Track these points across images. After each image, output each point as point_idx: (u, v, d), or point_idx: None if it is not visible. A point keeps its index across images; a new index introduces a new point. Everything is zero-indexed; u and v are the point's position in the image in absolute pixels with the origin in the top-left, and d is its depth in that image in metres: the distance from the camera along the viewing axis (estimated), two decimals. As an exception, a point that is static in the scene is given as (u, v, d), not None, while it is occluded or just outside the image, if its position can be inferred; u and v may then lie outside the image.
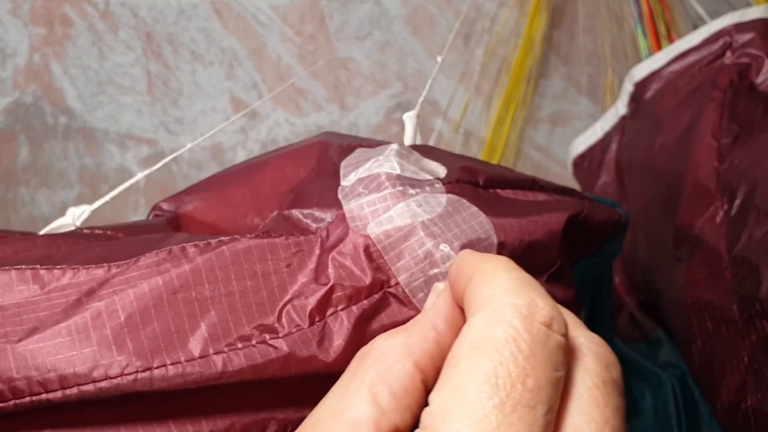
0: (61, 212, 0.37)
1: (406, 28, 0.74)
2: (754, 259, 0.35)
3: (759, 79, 0.43)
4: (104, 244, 0.26)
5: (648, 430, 0.39)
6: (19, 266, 0.24)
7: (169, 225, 0.31)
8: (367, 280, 0.24)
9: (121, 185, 0.33)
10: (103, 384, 0.22)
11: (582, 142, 0.57)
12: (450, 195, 0.26)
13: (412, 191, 0.25)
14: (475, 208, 0.26)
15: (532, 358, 0.18)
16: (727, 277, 0.37)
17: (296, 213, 0.27)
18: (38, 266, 0.24)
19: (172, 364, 0.23)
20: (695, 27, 0.69)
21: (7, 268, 0.24)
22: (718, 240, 0.37)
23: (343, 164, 0.27)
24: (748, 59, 0.44)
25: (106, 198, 0.32)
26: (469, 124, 0.76)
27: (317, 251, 0.25)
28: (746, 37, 0.45)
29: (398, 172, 0.26)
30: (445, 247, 0.24)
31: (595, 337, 0.21)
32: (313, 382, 0.24)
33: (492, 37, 0.75)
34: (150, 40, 0.71)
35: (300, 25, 0.73)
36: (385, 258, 0.25)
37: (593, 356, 0.20)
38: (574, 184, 0.61)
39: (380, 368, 0.21)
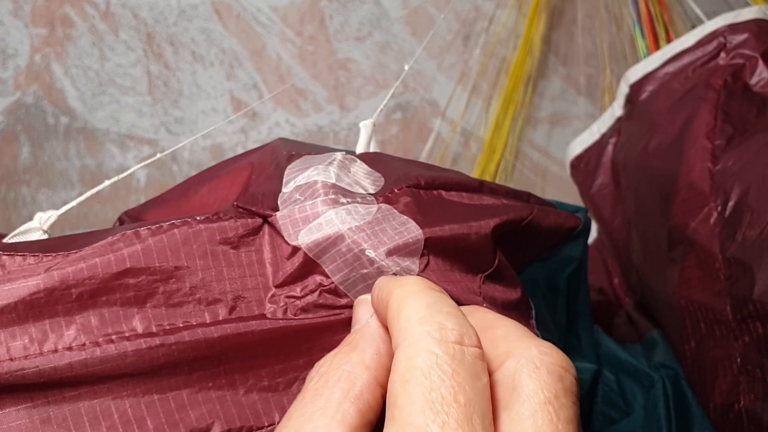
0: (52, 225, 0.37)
1: (405, 28, 0.74)
2: (748, 260, 0.35)
3: (753, 80, 0.43)
4: (63, 237, 0.27)
5: (638, 430, 0.39)
6: None
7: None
8: (305, 279, 0.26)
9: (91, 190, 0.34)
10: (51, 357, 0.23)
11: (579, 144, 0.58)
12: (381, 204, 0.27)
13: (343, 200, 0.26)
14: (404, 217, 0.27)
15: (456, 375, 0.19)
16: (721, 278, 0.37)
17: (242, 204, 0.28)
18: (1, 252, 0.24)
19: (118, 339, 0.24)
20: (694, 27, 0.70)
21: None
22: (712, 241, 0.37)
23: (286, 171, 0.28)
24: (742, 60, 0.44)
25: (73, 203, 0.32)
26: (469, 125, 0.76)
27: (266, 236, 0.27)
28: (740, 38, 0.45)
29: (333, 181, 0.27)
30: (371, 252, 0.26)
31: (545, 346, 0.21)
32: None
33: (491, 38, 0.75)
34: (151, 41, 0.72)
35: (300, 26, 0.73)
36: (319, 262, 0.26)
37: (546, 368, 0.21)
38: (573, 184, 0.61)
39: (344, 387, 0.22)
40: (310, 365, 0.24)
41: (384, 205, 0.27)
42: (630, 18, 0.70)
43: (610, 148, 0.54)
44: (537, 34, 0.74)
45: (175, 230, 0.25)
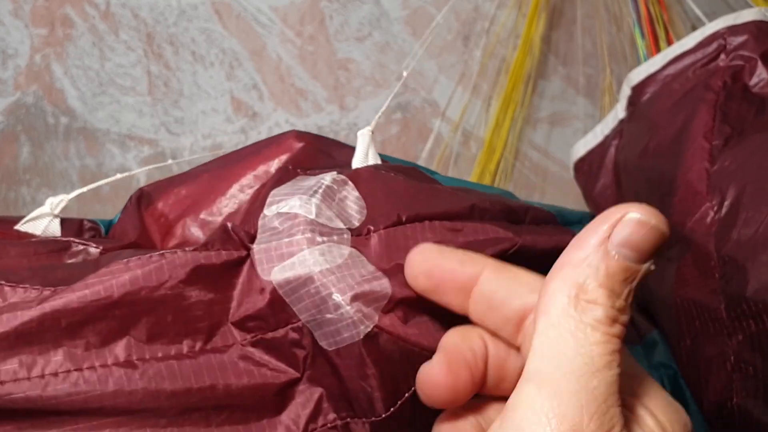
0: (63, 212, 0.37)
1: (405, 29, 0.75)
2: (742, 259, 0.35)
3: (752, 81, 0.43)
4: (65, 268, 0.28)
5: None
6: None
7: (138, 224, 0.33)
8: (272, 318, 0.27)
9: (92, 184, 0.34)
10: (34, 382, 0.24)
11: (582, 146, 0.58)
12: (352, 249, 0.28)
13: (319, 239, 0.27)
14: (372, 267, 0.28)
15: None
16: (716, 276, 0.37)
17: (235, 227, 0.28)
18: (3, 282, 0.26)
19: (100, 367, 0.25)
20: (694, 28, 0.70)
21: None
22: (708, 240, 0.38)
23: (273, 191, 0.29)
24: (742, 61, 0.44)
25: (83, 189, 0.33)
26: (468, 125, 0.76)
27: (245, 271, 0.27)
28: (740, 39, 0.45)
29: (313, 216, 0.27)
30: (337, 296, 0.26)
31: (677, 405, 0.23)
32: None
33: (491, 38, 0.75)
34: (151, 41, 0.72)
35: (300, 26, 0.73)
36: (287, 301, 0.27)
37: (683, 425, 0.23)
38: (572, 184, 0.61)
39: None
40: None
41: (354, 251, 0.28)
42: (630, 18, 0.70)
43: (612, 150, 0.54)
44: (537, 34, 0.74)
45: (163, 261, 0.26)
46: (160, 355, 0.25)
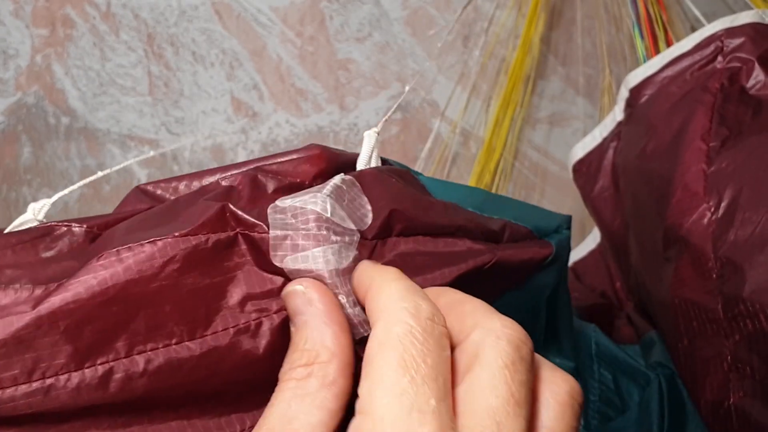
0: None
1: (405, 29, 0.75)
2: (739, 260, 0.35)
3: (749, 83, 0.43)
4: (54, 261, 0.27)
5: (631, 426, 0.40)
6: None
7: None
8: (274, 302, 0.27)
9: (84, 180, 0.34)
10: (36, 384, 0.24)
11: (581, 148, 0.58)
12: (355, 252, 0.28)
13: (334, 238, 0.27)
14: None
15: (426, 343, 0.23)
16: (713, 277, 0.37)
17: (232, 210, 0.28)
18: None
19: (101, 363, 0.25)
20: (693, 29, 0.70)
21: None
22: (705, 241, 0.38)
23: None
24: (739, 63, 0.45)
25: (65, 191, 0.33)
26: (468, 125, 0.76)
27: (244, 246, 0.27)
28: (737, 41, 0.45)
29: (329, 214, 0.27)
30: (342, 298, 0.27)
31: (507, 320, 0.25)
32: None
33: (490, 38, 0.75)
34: (151, 42, 0.72)
35: (300, 27, 0.73)
36: None
37: (506, 339, 0.24)
38: (571, 184, 0.61)
39: (318, 376, 0.25)
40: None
41: (356, 254, 0.28)
42: (629, 19, 0.70)
43: (611, 152, 0.54)
44: (536, 34, 0.74)
45: (155, 249, 0.26)
46: (161, 346, 0.25)
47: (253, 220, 0.27)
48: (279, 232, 0.27)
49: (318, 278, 0.26)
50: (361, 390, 0.23)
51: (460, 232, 0.32)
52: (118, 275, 0.25)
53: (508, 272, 0.34)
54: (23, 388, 0.24)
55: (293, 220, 0.27)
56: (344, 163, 0.33)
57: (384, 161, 0.35)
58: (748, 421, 0.35)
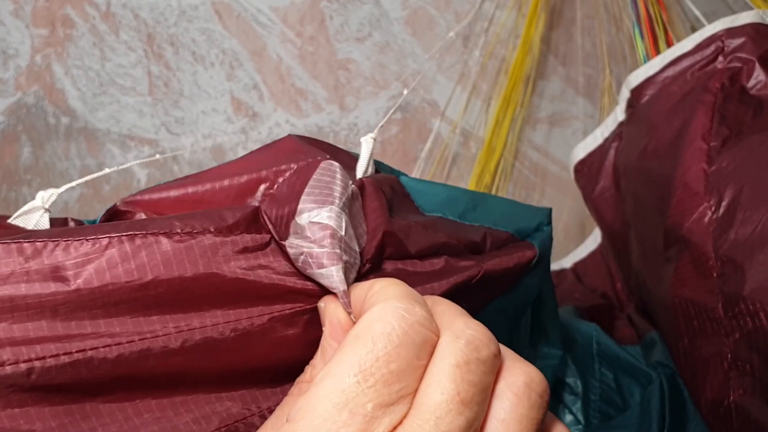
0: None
1: (405, 29, 0.75)
2: (739, 259, 0.36)
3: (750, 83, 0.43)
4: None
5: (632, 425, 0.40)
6: (4, 240, 0.25)
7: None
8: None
9: (86, 176, 0.34)
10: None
11: (582, 149, 0.58)
12: (355, 274, 0.29)
13: (345, 258, 0.28)
14: None
15: (401, 348, 0.23)
16: (713, 276, 0.37)
17: (267, 212, 0.29)
18: (22, 240, 0.26)
19: (140, 340, 0.26)
20: (693, 29, 0.70)
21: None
22: (705, 240, 0.38)
23: (302, 198, 0.29)
24: (740, 63, 0.45)
25: (72, 183, 0.33)
26: (468, 125, 0.76)
27: (272, 250, 0.28)
28: (737, 41, 0.45)
29: (342, 233, 0.28)
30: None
31: (472, 322, 0.25)
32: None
33: (491, 38, 0.75)
34: (151, 42, 0.72)
35: (300, 27, 0.73)
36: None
37: (465, 339, 0.24)
38: (572, 184, 0.61)
39: None
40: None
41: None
42: (629, 19, 0.70)
43: (612, 153, 0.54)
44: (536, 34, 0.75)
45: (193, 242, 0.27)
46: (197, 324, 0.26)
47: (274, 230, 0.28)
48: (299, 242, 0.28)
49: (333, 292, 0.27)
50: (319, 369, 0.24)
51: (443, 250, 0.33)
52: (156, 263, 0.26)
53: (496, 281, 0.34)
54: (63, 357, 0.24)
55: (311, 236, 0.28)
56: (328, 150, 0.33)
57: (376, 165, 0.35)
58: (748, 419, 0.35)
